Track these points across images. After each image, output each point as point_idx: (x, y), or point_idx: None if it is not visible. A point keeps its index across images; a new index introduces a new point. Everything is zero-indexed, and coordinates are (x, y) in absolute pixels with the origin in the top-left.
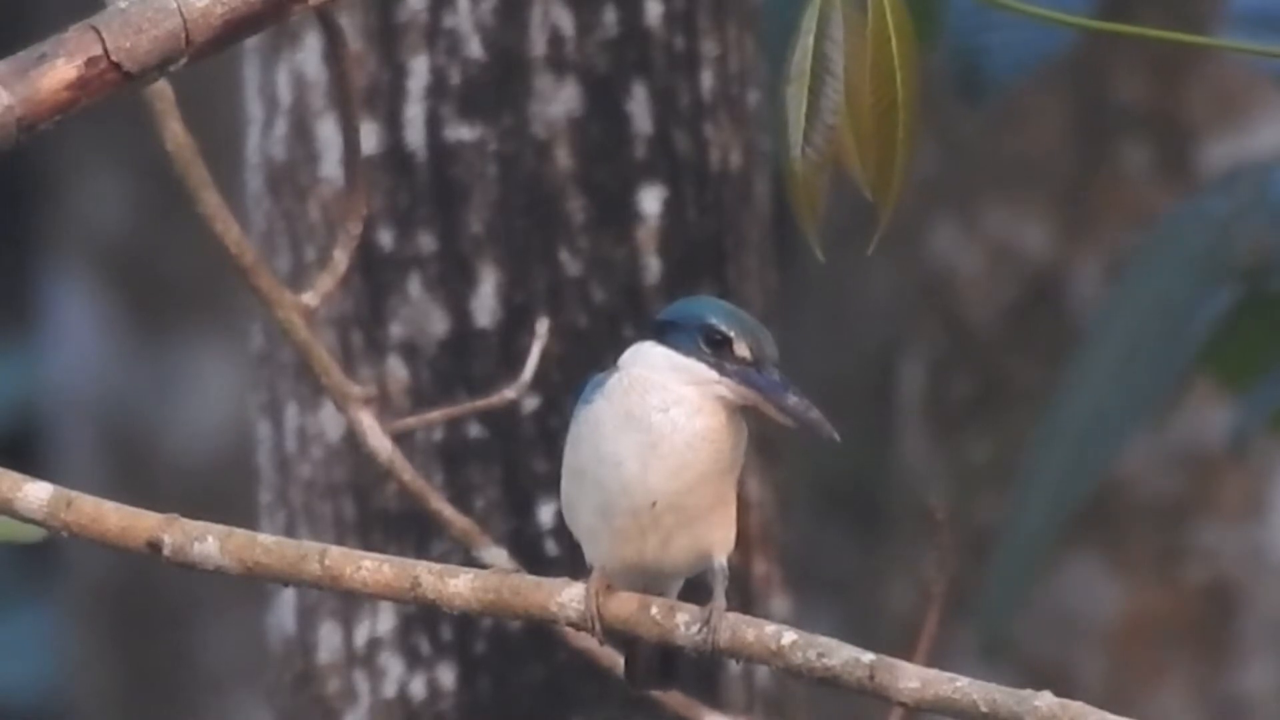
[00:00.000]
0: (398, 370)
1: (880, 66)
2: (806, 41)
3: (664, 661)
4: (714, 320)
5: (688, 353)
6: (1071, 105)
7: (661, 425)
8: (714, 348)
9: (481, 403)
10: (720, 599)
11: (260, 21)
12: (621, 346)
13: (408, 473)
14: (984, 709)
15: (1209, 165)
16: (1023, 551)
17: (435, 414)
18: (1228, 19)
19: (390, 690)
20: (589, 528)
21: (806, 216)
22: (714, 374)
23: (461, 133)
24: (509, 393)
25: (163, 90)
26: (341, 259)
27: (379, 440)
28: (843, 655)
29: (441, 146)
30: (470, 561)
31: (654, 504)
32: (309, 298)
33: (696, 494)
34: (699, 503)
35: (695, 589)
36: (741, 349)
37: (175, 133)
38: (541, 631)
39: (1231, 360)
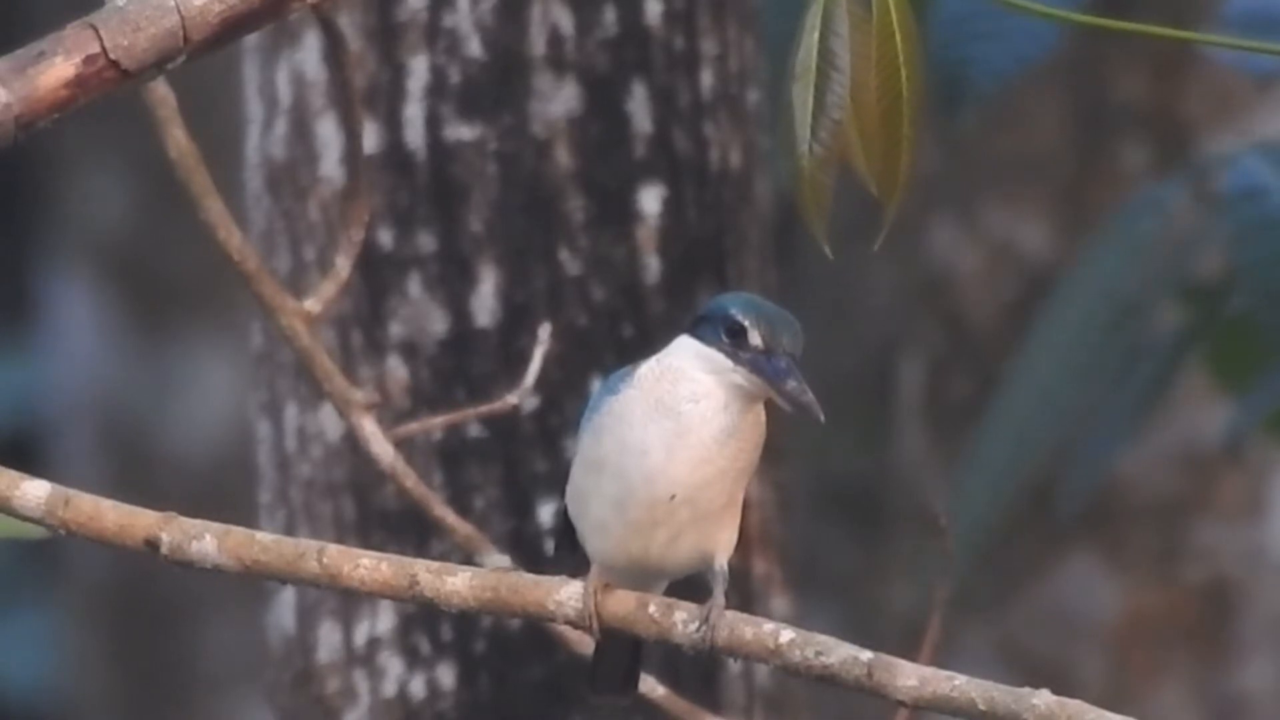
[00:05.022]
0: (397, 370)
1: (884, 62)
2: (811, 38)
3: (628, 669)
4: (733, 311)
5: (710, 343)
6: (1070, 104)
7: (691, 416)
8: (732, 337)
9: (484, 408)
10: (719, 598)
11: (258, 20)
12: (622, 346)
13: (410, 479)
14: (982, 707)
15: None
16: (964, 537)
17: (437, 420)
18: (1223, 20)
19: (390, 689)
20: (598, 521)
21: (813, 213)
22: (729, 362)
23: (461, 132)
24: (512, 398)
25: (165, 97)
26: (344, 265)
27: (382, 446)
28: (841, 653)
29: (441, 146)
30: (471, 562)
31: (673, 496)
32: (311, 304)
33: (714, 489)
34: (713, 499)
35: (694, 589)
36: (755, 338)
37: (178, 139)
38: (541, 631)
39: (1224, 362)
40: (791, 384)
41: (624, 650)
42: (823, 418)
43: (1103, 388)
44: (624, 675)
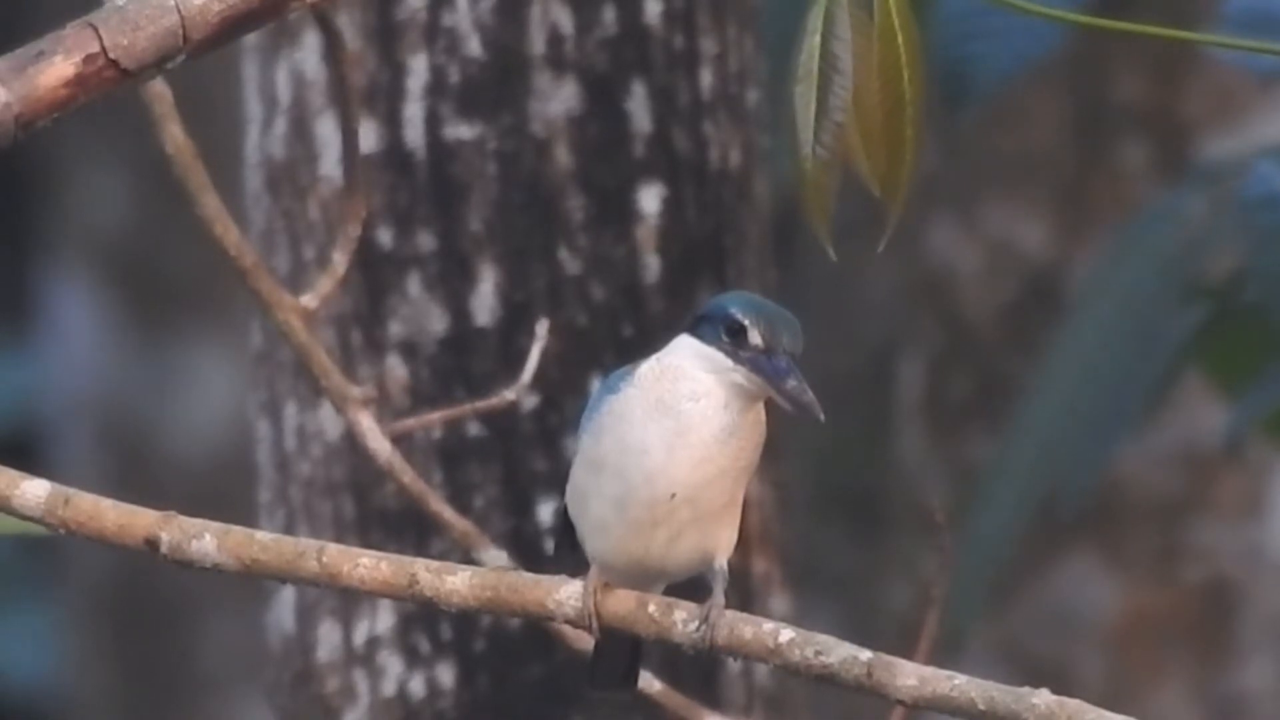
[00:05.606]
0: (397, 369)
1: (887, 64)
2: (813, 40)
3: (628, 664)
4: (733, 310)
5: (710, 342)
6: (1070, 104)
7: (691, 414)
8: (732, 337)
9: (481, 404)
10: (719, 597)
11: (257, 19)
12: (621, 346)
13: (407, 475)
14: (982, 706)
15: (1206, 163)
16: (985, 550)
17: (434, 415)
18: (1223, 19)
19: (390, 689)
20: (599, 521)
21: (817, 216)
22: (729, 361)
23: (461, 131)
24: (509, 394)
25: (162, 93)
26: (341, 261)
27: (378, 442)
28: (840, 653)
29: (441, 145)
30: (469, 560)
31: (673, 495)
32: (308, 300)
33: (714, 488)
34: (714, 498)
35: (694, 589)
36: (755, 337)
37: (175, 135)
38: (541, 630)
39: (1223, 364)
40: (791, 383)
41: (624, 646)
42: (822, 417)
43: (1124, 396)
44: (624, 671)
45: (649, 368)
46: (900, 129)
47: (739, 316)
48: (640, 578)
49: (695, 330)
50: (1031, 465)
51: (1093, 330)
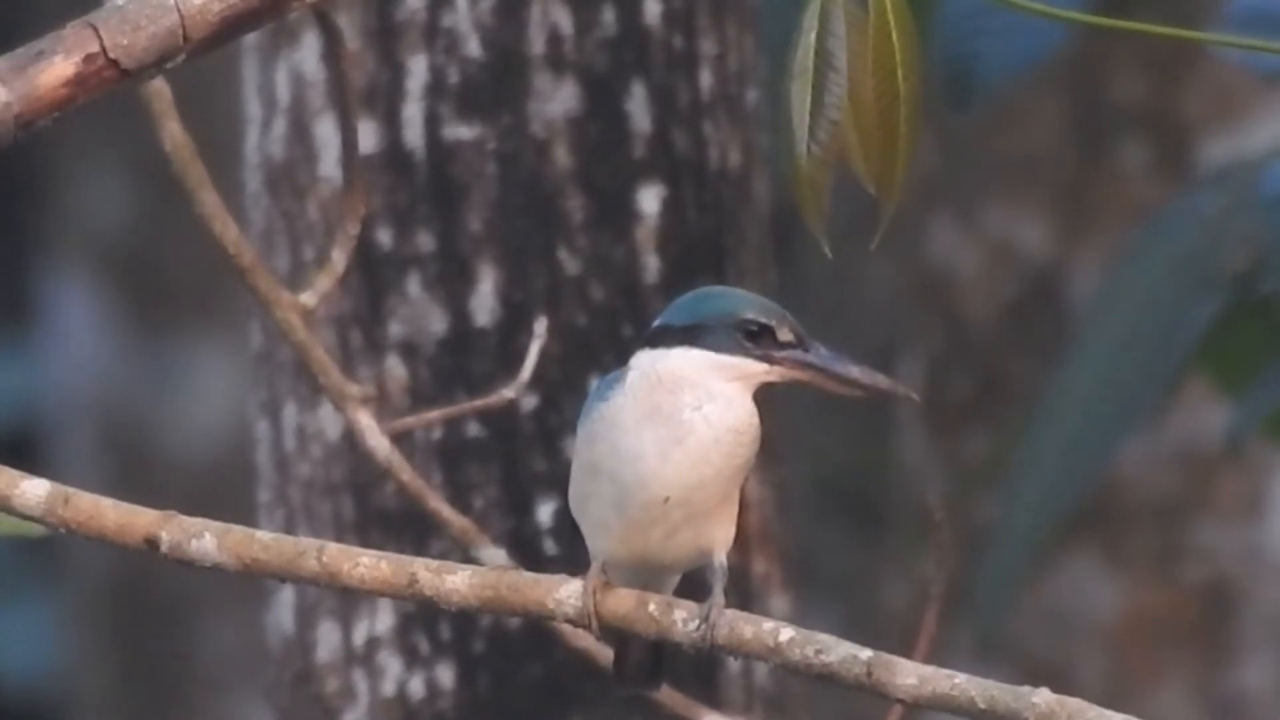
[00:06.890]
0: (396, 369)
1: (882, 62)
2: (809, 38)
3: (654, 661)
4: (749, 314)
5: (729, 351)
6: (1070, 104)
7: (692, 421)
8: (754, 339)
9: (480, 403)
10: (719, 596)
11: (258, 19)
12: (621, 346)
13: (406, 473)
14: (982, 705)
15: (1207, 164)
16: (1015, 550)
17: (434, 414)
18: (1225, 19)
19: (389, 689)
20: (600, 521)
21: (812, 213)
22: (764, 365)
23: (460, 132)
24: (508, 392)
25: (161, 90)
26: (340, 259)
27: (377, 440)
28: (840, 652)
29: (440, 146)
30: (469, 560)
31: (666, 499)
32: (307, 298)
33: (708, 490)
34: (708, 499)
35: (695, 587)
36: (784, 333)
37: (173, 133)
38: (540, 630)
39: (1226, 363)
40: (855, 370)
41: (649, 643)
42: (916, 397)
43: (1149, 402)
44: (651, 668)
45: (640, 376)
46: (895, 126)
47: (757, 318)
48: (646, 573)
49: (699, 341)
50: (1059, 467)
51: (1113, 335)
